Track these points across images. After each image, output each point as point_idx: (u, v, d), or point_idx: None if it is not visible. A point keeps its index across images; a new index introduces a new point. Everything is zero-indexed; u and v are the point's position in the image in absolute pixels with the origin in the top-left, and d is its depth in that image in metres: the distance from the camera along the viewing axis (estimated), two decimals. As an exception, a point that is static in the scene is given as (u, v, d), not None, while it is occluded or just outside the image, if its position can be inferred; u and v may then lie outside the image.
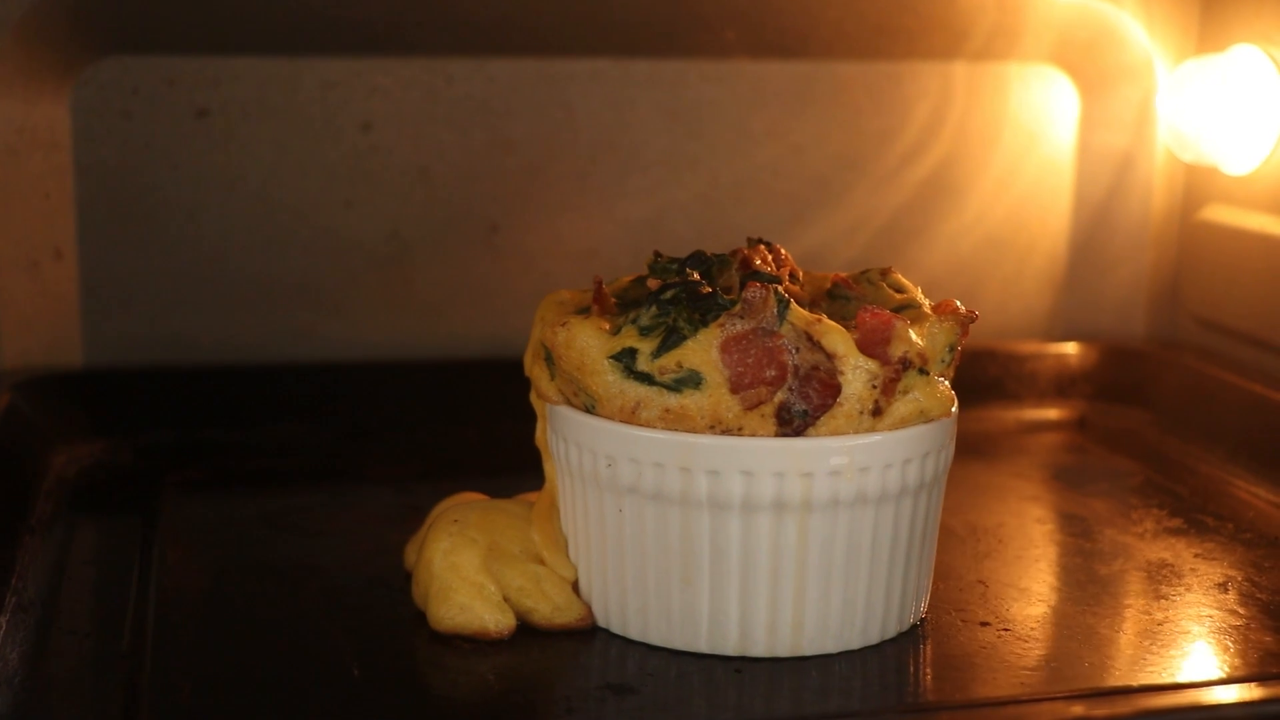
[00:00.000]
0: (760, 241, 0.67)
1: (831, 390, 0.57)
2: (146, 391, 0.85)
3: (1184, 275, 0.97)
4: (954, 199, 0.98)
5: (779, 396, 0.57)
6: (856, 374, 0.58)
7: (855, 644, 0.61)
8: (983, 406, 0.94)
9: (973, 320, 0.62)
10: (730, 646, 0.60)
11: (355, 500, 0.77)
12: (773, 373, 0.57)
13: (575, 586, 0.63)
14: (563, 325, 0.60)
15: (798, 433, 0.58)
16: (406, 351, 0.91)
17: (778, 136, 0.95)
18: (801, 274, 0.67)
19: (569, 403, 0.61)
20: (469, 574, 0.61)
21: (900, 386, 0.59)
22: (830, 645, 0.60)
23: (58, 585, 0.65)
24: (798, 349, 0.57)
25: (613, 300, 0.63)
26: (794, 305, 0.58)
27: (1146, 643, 0.62)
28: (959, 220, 0.98)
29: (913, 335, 0.59)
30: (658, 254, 0.65)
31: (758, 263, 0.64)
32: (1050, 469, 0.86)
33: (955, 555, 0.71)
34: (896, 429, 0.59)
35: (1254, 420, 0.84)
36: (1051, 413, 0.95)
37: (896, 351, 0.58)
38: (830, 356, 0.57)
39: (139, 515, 0.74)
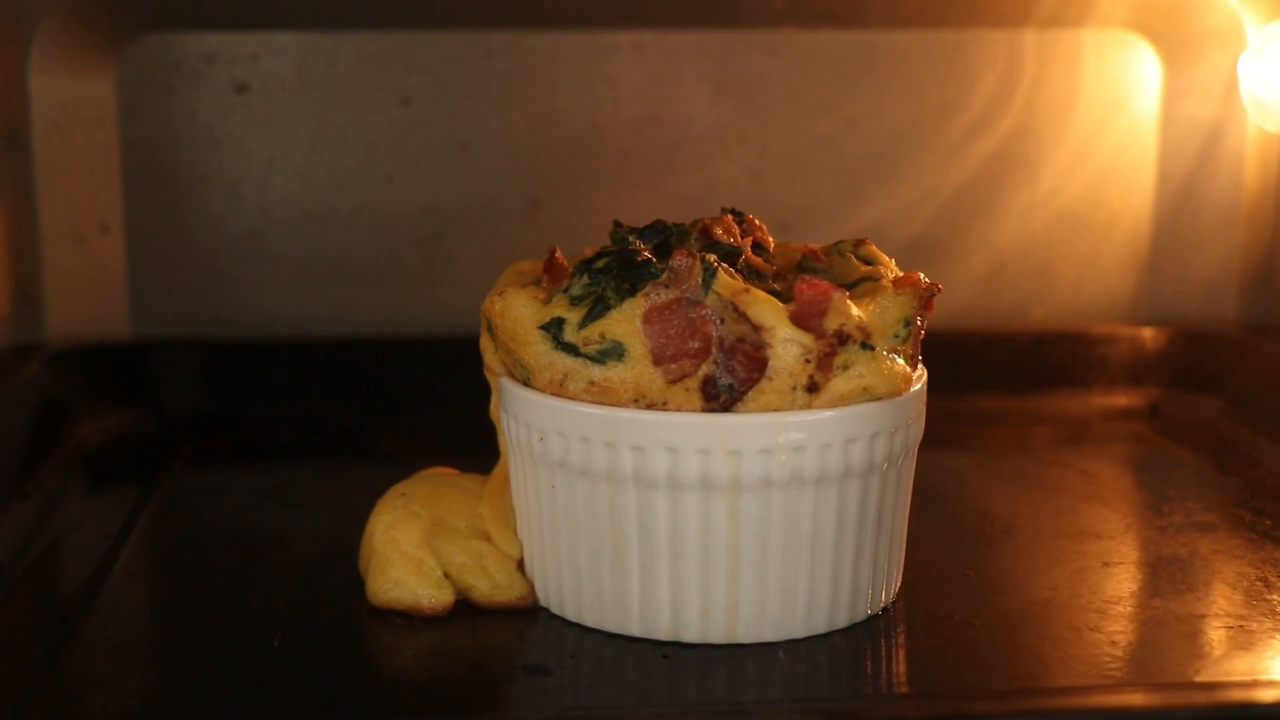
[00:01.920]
0: (730, 211, 0.64)
1: (757, 364, 0.54)
2: (177, 364, 0.86)
3: (1279, 254, 0.91)
4: (1024, 174, 0.93)
5: (704, 370, 0.55)
6: (787, 347, 0.54)
7: (798, 633, 0.57)
8: (1045, 392, 0.89)
9: (934, 293, 0.58)
10: (662, 630, 0.57)
11: (356, 475, 0.76)
12: (696, 345, 0.54)
13: (522, 564, 0.61)
14: (500, 294, 0.58)
15: (725, 408, 0.55)
16: (445, 328, 0.90)
17: (832, 109, 0.91)
18: (773, 245, 0.63)
19: (510, 375, 0.60)
20: (408, 548, 0.60)
21: (839, 361, 0.55)
22: (769, 633, 0.57)
23: (28, 550, 0.66)
24: (722, 320, 0.54)
25: (569, 269, 0.61)
26: (722, 274, 0.55)
27: (1112, 642, 0.57)
28: (1030, 196, 0.93)
29: (852, 308, 0.55)
30: (617, 223, 0.63)
31: (719, 232, 0.61)
32: (1098, 458, 0.81)
33: (949, 545, 0.67)
34: (836, 407, 0.56)
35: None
36: (1121, 400, 0.89)
37: (832, 324, 0.55)
38: (757, 328, 0.54)
39: (138, 485, 0.74)
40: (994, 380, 0.89)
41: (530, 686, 0.54)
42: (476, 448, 0.73)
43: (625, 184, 0.91)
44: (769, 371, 0.54)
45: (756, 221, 0.64)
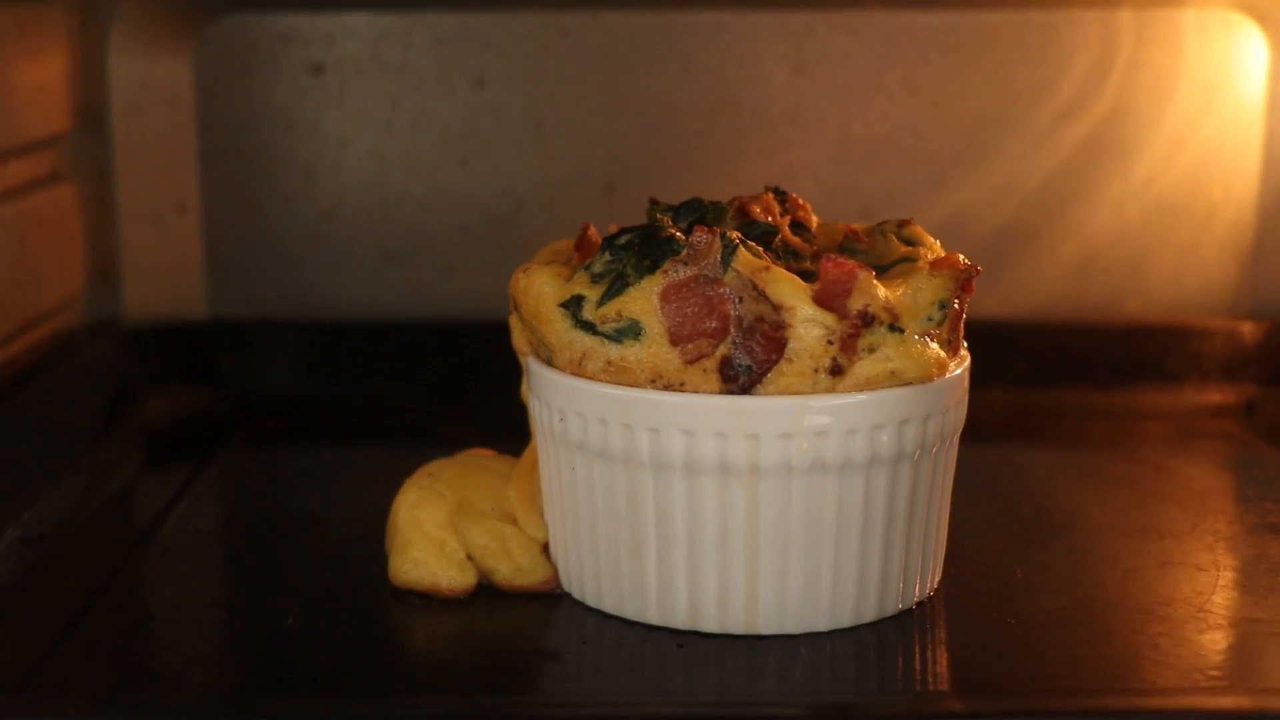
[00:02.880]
0: (773, 189, 0.62)
1: (776, 344, 0.52)
2: (248, 345, 0.86)
3: (1388, 247, 0.86)
4: (1119, 161, 0.89)
5: (721, 350, 0.53)
6: (808, 327, 0.52)
7: (821, 626, 0.55)
8: (1134, 387, 0.85)
9: (973, 275, 0.55)
10: (680, 619, 0.55)
11: (411, 458, 0.75)
12: (713, 324, 0.52)
13: (547, 548, 0.60)
14: (524, 271, 0.57)
15: (744, 390, 0.53)
16: (517, 312, 0.89)
17: (915, 92, 0.88)
18: (815, 225, 0.61)
19: (536, 354, 0.58)
20: (430, 529, 0.59)
21: (864, 344, 0.53)
22: (790, 625, 0.55)
23: (71, 522, 0.66)
24: (741, 299, 0.52)
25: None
26: (742, 251, 0.53)
27: (1154, 645, 0.54)
28: (1125, 184, 0.89)
29: (878, 288, 0.53)
30: (654, 200, 0.61)
31: (756, 210, 0.59)
32: (1181, 455, 0.77)
33: (1003, 539, 0.65)
34: (862, 391, 0.53)
35: None
36: (1215, 396, 0.85)
37: (856, 304, 0.53)
38: (777, 308, 0.52)
39: (194, 463, 0.74)
40: (1080, 374, 0.86)
41: (541, 672, 0.53)
42: (526, 432, 0.72)
43: (701, 168, 0.89)
44: (788, 353, 0.52)
45: (800, 200, 0.62)
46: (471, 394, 0.86)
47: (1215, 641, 0.55)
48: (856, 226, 0.60)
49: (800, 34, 0.88)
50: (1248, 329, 0.86)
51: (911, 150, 0.89)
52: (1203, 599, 0.58)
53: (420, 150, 0.89)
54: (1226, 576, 0.60)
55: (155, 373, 0.83)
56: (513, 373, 0.85)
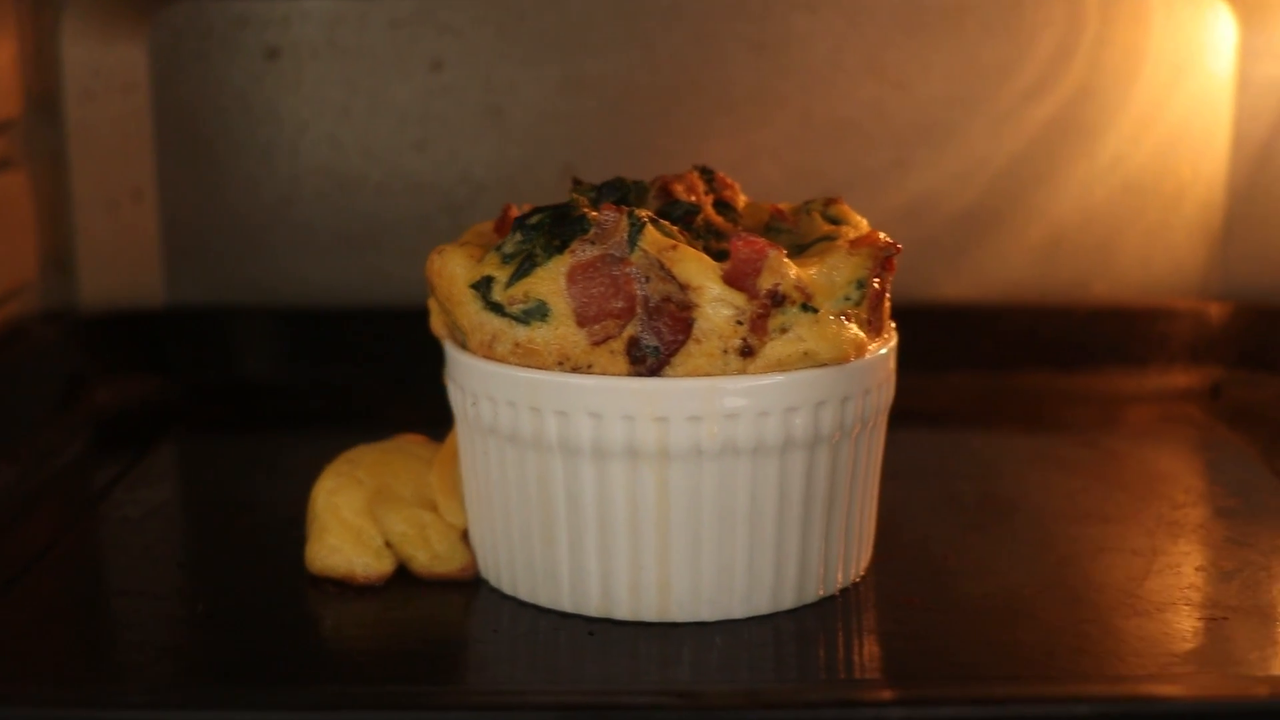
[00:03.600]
0: (699, 168, 0.61)
1: (682, 325, 0.51)
2: (203, 332, 0.86)
3: (1359, 227, 0.84)
4: (1086, 141, 0.87)
5: (628, 331, 0.52)
6: (716, 307, 0.51)
7: (737, 613, 0.54)
8: (1098, 370, 0.84)
9: (893, 254, 0.54)
10: (592, 607, 0.54)
11: (357, 443, 0.75)
12: (620, 304, 0.51)
13: (467, 535, 0.59)
14: (438, 253, 0.56)
15: (653, 372, 0.52)
16: (476, 297, 0.88)
17: (878, 72, 0.87)
18: (742, 204, 0.60)
19: (452, 337, 0.57)
20: (347, 516, 0.58)
21: (776, 324, 0.52)
22: (705, 612, 0.54)
23: (3, 509, 0.66)
24: (648, 278, 0.51)
25: (521, 229, 0.58)
26: (650, 230, 0.52)
27: (1077, 633, 0.53)
28: (1092, 164, 0.88)
29: (789, 267, 0.52)
30: (577, 180, 0.60)
31: (678, 189, 0.58)
32: (1137, 440, 0.75)
33: (941, 525, 0.63)
34: (775, 372, 0.52)
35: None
36: (1181, 379, 0.83)
37: (766, 284, 0.51)
38: (684, 287, 0.51)
39: (137, 451, 0.74)
40: (1044, 357, 0.84)
41: (452, 660, 0.53)
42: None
43: (661, 150, 0.88)
44: (696, 333, 0.51)
45: (727, 180, 0.61)
46: (428, 380, 0.85)
47: (1140, 628, 0.53)
48: (783, 206, 0.59)
49: (760, 14, 0.86)
50: (1215, 311, 0.85)
51: (874, 131, 0.88)
52: (1133, 585, 0.57)
53: (377, 134, 0.88)
54: (1161, 562, 0.59)
55: (107, 360, 0.83)
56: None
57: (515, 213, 0.59)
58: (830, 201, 0.59)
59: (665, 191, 0.58)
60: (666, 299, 0.51)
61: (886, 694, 0.49)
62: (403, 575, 0.58)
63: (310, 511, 0.59)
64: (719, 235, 0.57)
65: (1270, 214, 0.87)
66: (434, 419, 0.74)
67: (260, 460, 0.73)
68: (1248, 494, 0.66)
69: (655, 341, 0.51)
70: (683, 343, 0.51)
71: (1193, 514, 0.64)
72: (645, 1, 0.86)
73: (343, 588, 0.57)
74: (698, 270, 0.51)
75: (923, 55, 0.87)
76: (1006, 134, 0.87)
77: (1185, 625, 0.53)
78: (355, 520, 0.58)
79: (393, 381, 0.85)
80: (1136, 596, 0.56)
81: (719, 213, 0.58)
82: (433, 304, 0.59)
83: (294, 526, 0.62)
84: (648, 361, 0.52)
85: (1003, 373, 0.84)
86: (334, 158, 0.88)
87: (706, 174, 0.60)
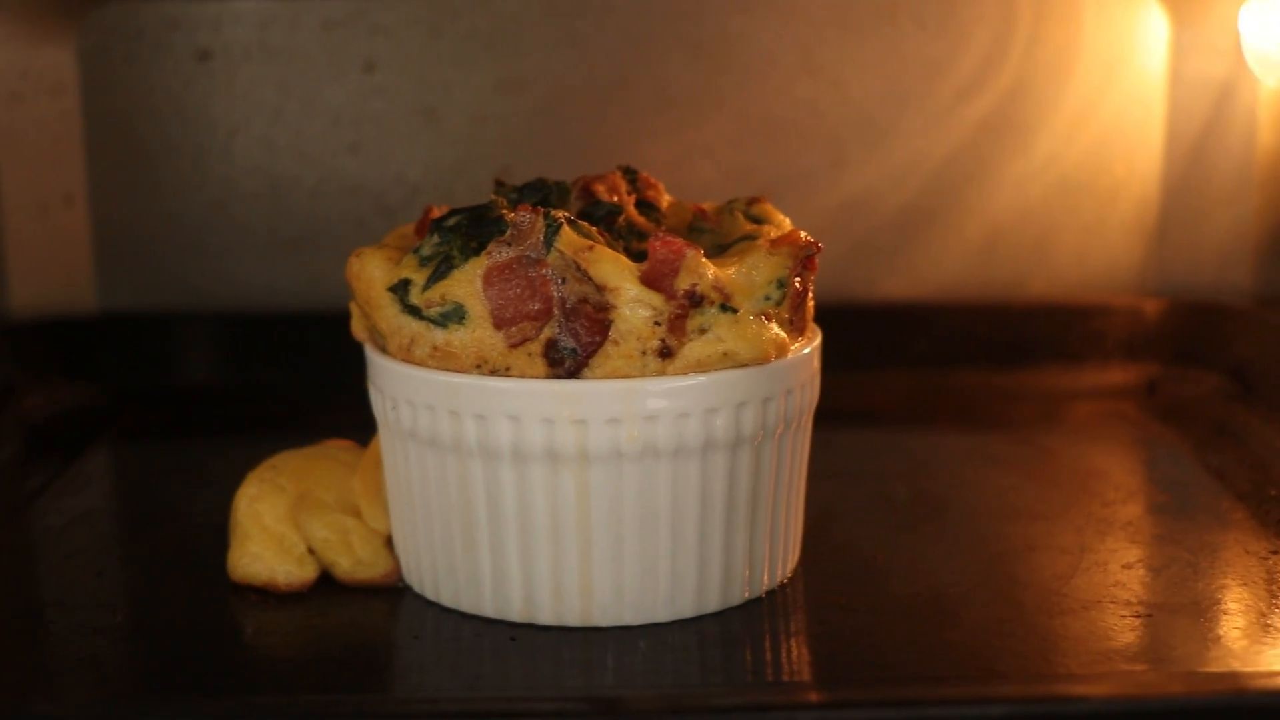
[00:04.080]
0: (623, 168, 0.60)
1: (599, 326, 0.51)
2: (136, 337, 0.85)
3: (1292, 222, 0.84)
4: (1021, 138, 0.87)
5: (546, 333, 0.51)
6: (633, 308, 0.51)
7: (661, 616, 0.54)
8: (1035, 368, 0.84)
9: (813, 253, 0.54)
10: (515, 612, 0.54)
11: (291, 449, 0.74)
12: (537, 306, 0.51)
13: (391, 540, 0.58)
14: (357, 255, 0.56)
15: (571, 374, 0.51)
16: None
17: (814, 70, 0.87)
18: (666, 204, 0.60)
19: (372, 341, 0.57)
20: (269, 523, 0.57)
21: (694, 325, 0.51)
22: (629, 616, 0.53)
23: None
24: (564, 280, 0.51)
25: (442, 231, 0.58)
26: (566, 231, 0.51)
27: (1004, 633, 0.52)
28: (1027, 162, 0.88)
29: (707, 266, 0.51)
30: (499, 181, 0.60)
31: (600, 190, 0.57)
32: (1071, 436, 0.75)
33: (871, 525, 0.63)
34: (694, 373, 0.52)
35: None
36: (1116, 376, 0.83)
37: (684, 284, 0.51)
38: (601, 288, 0.51)
39: (65, 459, 0.73)
40: (982, 355, 0.84)
41: (374, 667, 0.52)
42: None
43: (597, 150, 0.87)
44: (614, 334, 0.51)
45: (650, 179, 0.60)
46: (362, 385, 0.84)
47: (1065, 626, 0.53)
48: (706, 205, 0.59)
49: (695, 13, 0.86)
50: (1150, 307, 0.85)
51: (810, 129, 0.87)
52: (1060, 583, 0.57)
53: (311, 137, 0.87)
54: (1090, 559, 0.59)
55: (38, 367, 0.82)
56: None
57: (436, 213, 0.58)
58: (753, 200, 0.58)
59: (587, 192, 0.57)
60: (583, 300, 0.51)
61: (812, 697, 0.49)
62: (326, 582, 0.57)
63: (232, 519, 0.59)
64: (641, 236, 0.56)
65: (1204, 210, 0.87)
66: (364, 424, 0.73)
67: (191, 467, 0.72)
68: (1179, 491, 0.66)
69: (573, 343, 0.51)
70: (600, 344, 0.51)
71: (1123, 511, 0.64)
72: (579, 1, 0.86)
73: (265, 596, 0.57)
74: (614, 271, 0.51)
75: (858, 53, 0.86)
76: (942, 132, 0.87)
77: (1110, 623, 0.53)
78: (277, 527, 0.57)
79: (328, 386, 0.84)
80: (1064, 595, 0.56)
81: (642, 213, 0.58)
82: (354, 307, 0.58)
83: (220, 534, 0.62)
84: (566, 363, 0.51)
85: (939, 371, 0.84)
86: (267, 160, 0.87)
87: (630, 174, 0.60)
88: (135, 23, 0.86)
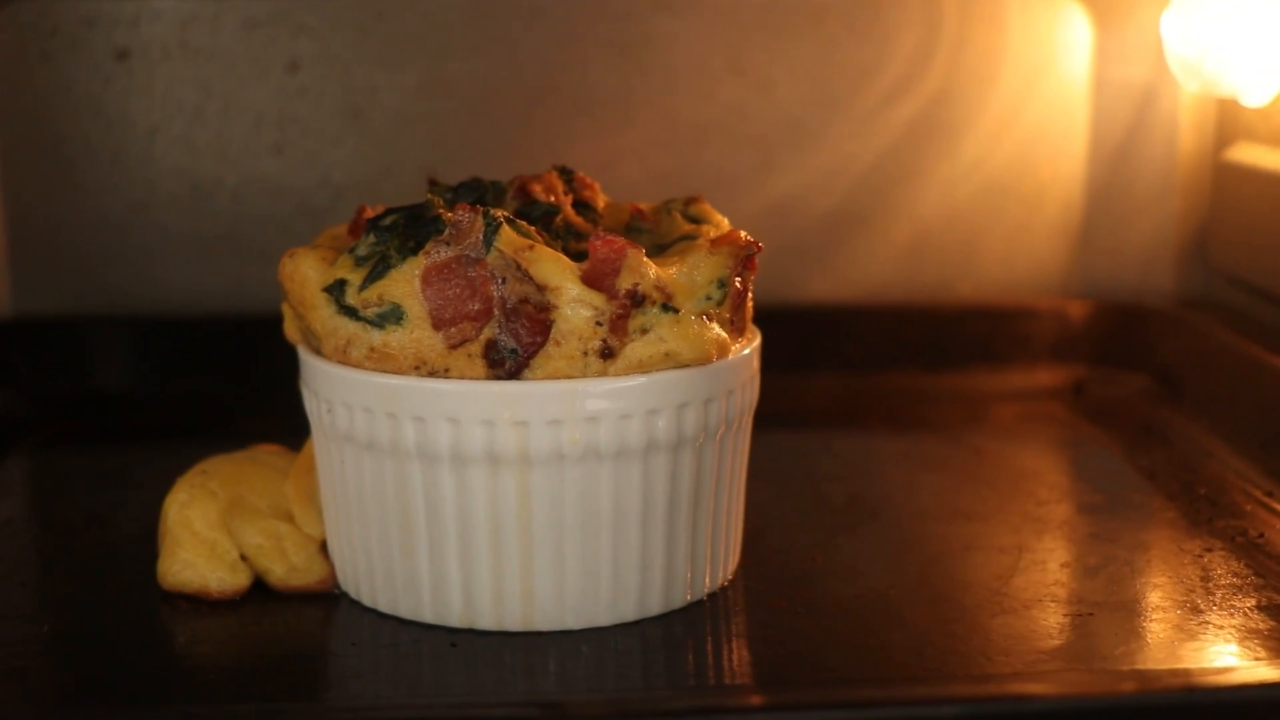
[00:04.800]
0: (559, 168, 0.60)
1: (540, 326, 0.50)
2: (54, 343, 0.83)
3: (1212, 225, 0.85)
4: (947, 141, 0.88)
5: (486, 334, 0.51)
6: (575, 308, 0.50)
7: (603, 620, 0.53)
8: (963, 370, 0.84)
9: (754, 252, 0.54)
10: (455, 617, 0.53)
11: (215, 454, 0.73)
12: (476, 306, 0.50)
13: (325, 546, 0.57)
14: (290, 256, 0.55)
15: (512, 375, 0.51)
16: (337, 304, 0.86)
17: (742, 73, 0.87)
18: (603, 204, 0.59)
19: (306, 343, 0.56)
20: (201, 529, 0.56)
21: (636, 325, 0.51)
22: (571, 620, 0.53)
23: None
24: (504, 279, 0.50)
25: (375, 231, 0.57)
26: (506, 230, 0.51)
27: (947, 633, 0.52)
28: (954, 165, 0.88)
29: (648, 266, 0.51)
30: (433, 181, 0.59)
31: (537, 190, 0.57)
32: (1002, 438, 0.76)
33: (808, 527, 0.63)
34: (636, 374, 0.51)
35: (1248, 390, 0.72)
36: (1043, 378, 0.84)
37: (625, 283, 0.51)
38: (541, 288, 0.50)
39: (-20, 466, 0.71)
40: (910, 357, 0.85)
41: (311, 675, 0.51)
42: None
43: (524, 153, 0.86)
44: (555, 335, 0.50)
45: (587, 180, 0.60)
46: (287, 389, 0.83)
47: (1007, 625, 0.53)
48: (643, 206, 0.59)
49: (623, 15, 0.86)
50: (1075, 309, 0.86)
51: (739, 132, 0.87)
52: (1000, 583, 0.57)
53: (233, 138, 0.86)
54: (1028, 559, 0.59)
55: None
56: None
57: (369, 213, 0.57)
58: (691, 200, 0.58)
59: (523, 192, 0.57)
60: (524, 300, 0.50)
61: (757, 699, 0.49)
62: (259, 589, 0.56)
63: (162, 525, 0.57)
64: (579, 236, 0.56)
65: (1127, 214, 0.88)
66: (294, 428, 0.72)
67: (112, 474, 0.70)
68: (1111, 490, 0.67)
69: (513, 344, 0.50)
70: (541, 344, 0.50)
71: (1058, 511, 0.64)
72: (506, 2, 0.85)
73: (196, 603, 0.55)
74: (555, 270, 0.50)
75: (785, 56, 0.86)
76: (870, 135, 0.87)
77: (1051, 622, 0.53)
78: (209, 533, 0.56)
79: (251, 390, 0.83)
80: (1003, 594, 0.56)
81: (579, 213, 0.58)
82: (286, 309, 0.57)
83: (146, 541, 0.60)
84: (506, 364, 0.51)
85: (869, 373, 0.84)
86: (188, 161, 0.86)
87: (566, 174, 0.60)
88: (50, 20, 0.84)
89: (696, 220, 0.57)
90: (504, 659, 0.51)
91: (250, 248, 0.86)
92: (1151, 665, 0.50)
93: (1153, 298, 0.87)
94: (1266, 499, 0.64)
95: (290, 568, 0.56)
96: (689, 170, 0.87)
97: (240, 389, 0.83)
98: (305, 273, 0.53)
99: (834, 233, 0.88)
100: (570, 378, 0.51)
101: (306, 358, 0.55)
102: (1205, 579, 0.57)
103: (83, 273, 0.86)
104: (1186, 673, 0.49)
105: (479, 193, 0.56)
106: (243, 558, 0.56)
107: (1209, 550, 0.59)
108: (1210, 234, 0.85)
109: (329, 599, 0.56)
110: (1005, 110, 0.87)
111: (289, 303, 0.55)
